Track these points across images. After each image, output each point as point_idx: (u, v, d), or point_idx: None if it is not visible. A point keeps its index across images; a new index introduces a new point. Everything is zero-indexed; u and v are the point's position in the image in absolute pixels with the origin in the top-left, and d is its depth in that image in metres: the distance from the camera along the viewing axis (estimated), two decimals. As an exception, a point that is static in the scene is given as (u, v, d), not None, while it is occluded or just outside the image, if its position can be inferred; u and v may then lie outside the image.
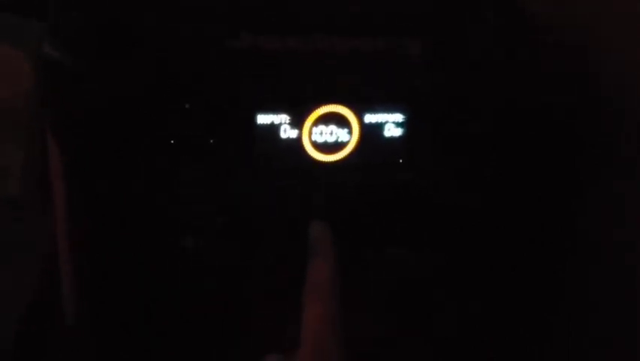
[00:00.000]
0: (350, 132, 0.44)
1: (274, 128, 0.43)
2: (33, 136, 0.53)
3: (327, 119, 0.43)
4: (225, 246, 0.45)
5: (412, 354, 0.50)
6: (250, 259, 0.45)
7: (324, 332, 0.35)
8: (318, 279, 0.38)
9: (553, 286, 0.51)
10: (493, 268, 0.48)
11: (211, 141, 0.43)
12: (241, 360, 0.40)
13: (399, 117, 0.44)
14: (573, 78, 0.44)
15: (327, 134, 0.44)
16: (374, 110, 0.43)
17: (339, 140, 0.44)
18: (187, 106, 0.42)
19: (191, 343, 0.47)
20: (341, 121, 0.43)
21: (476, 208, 0.46)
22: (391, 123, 0.44)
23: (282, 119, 0.43)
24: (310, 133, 0.43)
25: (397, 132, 0.44)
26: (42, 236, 0.50)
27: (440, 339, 0.50)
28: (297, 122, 0.43)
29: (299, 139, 0.43)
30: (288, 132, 0.43)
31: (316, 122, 0.43)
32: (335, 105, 0.43)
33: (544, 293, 0.51)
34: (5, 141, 0.54)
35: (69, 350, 0.47)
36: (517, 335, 0.51)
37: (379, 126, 0.44)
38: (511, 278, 0.49)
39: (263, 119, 0.42)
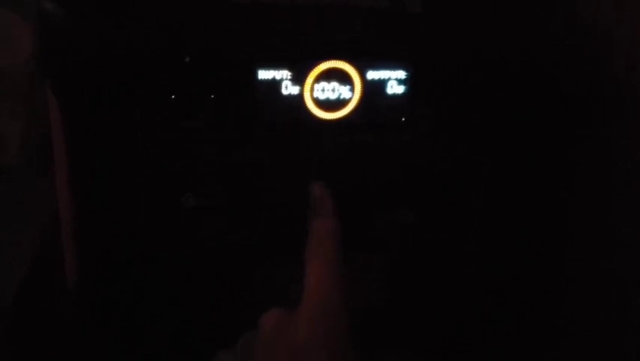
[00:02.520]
0: (352, 89, 0.43)
1: (275, 85, 0.42)
2: (33, 102, 0.52)
3: (329, 75, 0.43)
4: (227, 204, 0.44)
5: (411, 316, 0.49)
6: (251, 216, 0.45)
7: (327, 288, 0.34)
8: (320, 237, 0.37)
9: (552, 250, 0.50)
10: (492, 226, 0.47)
11: (212, 96, 0.42)
12: (245, 316, 0.40)
13: (401, 74, 0.43)
14: (566, 29, 0.44)
15: (329, 91, 0.43)
16: (376, 66, 0.43)
17: (342, 97, 0.43)
18: (187, 60, 0.41)
19: (193, 303, 0.47)
20: (343, 78, 0.43)
21: (477, 169, 0.45)
22: (394, 80, 0.43)
23: (283, 75, 0.42)
24: (312, 90, 0.43)
25: (400, 90, 0.44)
26: (43, 201, 0.50)
27: (440, 302, 0.49)
28: (298, 79, 0.42)
29: (300, 95, 0.43)
30: (289, 89, 0.43)
31: (318, 79, 0.43)
32: (337, 61, 0.42)
33: (546, 259, 0.50)
34: (5, 109, 0.53)
35: (69, 314, 0.47)
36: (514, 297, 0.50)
37: (382, 83, 0.43)
38: (511, 239, 0.48)
39: (264, 74, 0.42)
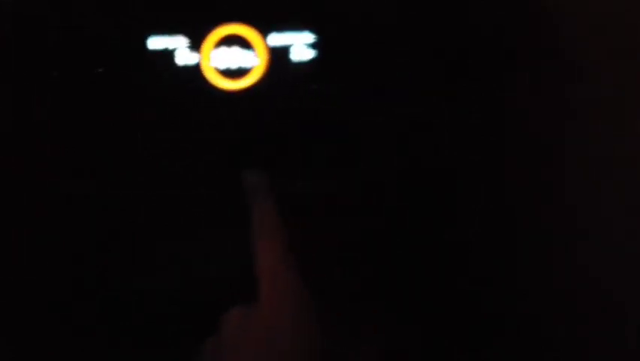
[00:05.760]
0: (256, 56, 0.39)
1: (169, 54, 0.38)
2: None
3: (228, 41, 0.39)
4: (122, 188, 0.39)
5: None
6: (153, 201, 0.39)
7: (279, 267, 0.33)
8: (262, 221, 0.36)
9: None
10: (409, 192, 0.42)
11: (99, 70, 0.38)
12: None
13: (308, 37, 0.40)
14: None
15: (229, 59, 0.39)
16: (280, 29, 0.39)
17: (244, 65, 0.39)
18: (69, 30, 0.38)
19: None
20: (244, 44, 0.39)
21: (394, 133, 0.40)
22: (301, 44, 0.40)
23: (177, 42, 0.39)
24: (210, 58, 0.39)
25: (308, 55, 0.40)
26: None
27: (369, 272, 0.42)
28: (194, 46, 0.39)
29: (198, 65, 0.39)
30: (185, 58, 0.39)
31: (216, 46, 0.39)
32: (236, 25, 0.39)
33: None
34: None
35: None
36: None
37: (287, 49, 0.40)
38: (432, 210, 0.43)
39: (155, 43, 0.38)
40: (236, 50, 0.39)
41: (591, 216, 0.39)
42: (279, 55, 0.39)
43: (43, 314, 0.42)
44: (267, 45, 0.39)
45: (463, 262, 0.44)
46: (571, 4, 0.38)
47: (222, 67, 0.39)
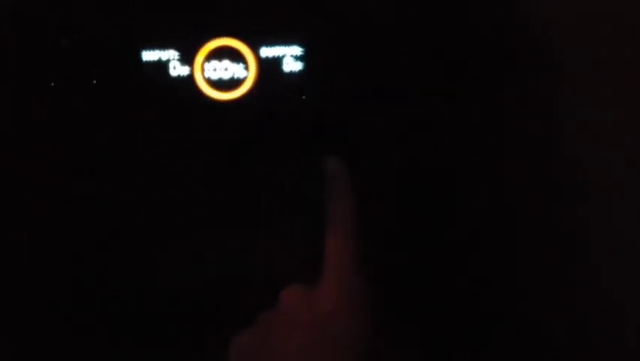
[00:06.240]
0: (246, 67, 0.41)
1: (162, 66, 0.40)
2: None
3: (220, 53, 0.40)
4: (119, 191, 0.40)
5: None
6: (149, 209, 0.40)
7: (348, 264, 0.34)
8: (338, 213, 0.36)
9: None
10: (409, 192, 0.43)
11: (94, 81, 0.40)
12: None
13: (297, 50, 0.41)
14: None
15: (221, 70, 0.40)
16: (270, 43, 0.41)
17: (235, 76, 0.41)
18: (64, 43, 0.39)
19: None
20: (235, 55, 0.41)
21: (392, 134, 0.41)
22: (290, 57, 0.41)
23: (170, 55, 0.40)
24: (203, 69, 0.40)
25: (297, 67, 0.41)
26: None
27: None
28: (187, 58, 0.40)
29: (191, 76, 0.40)
30: (178, 69, 0.40)
31: (208, 58, 0.40)
32: (227, 38, 0.40)
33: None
34: None
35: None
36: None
37: (277, 60, 0.41)
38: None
39: (149, 55, 0.40)
40: (226, 61, 0.41)
41: (591, 216, 0.39)
42: (268, 66, 0.41)
43: (43, 314, 0.43)
44: (257, 57, 0.41)
45: (463, 262, 0.44)
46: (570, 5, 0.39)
47: (214, 78, 0.40)
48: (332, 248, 0.35)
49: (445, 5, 0.42)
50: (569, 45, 0.40)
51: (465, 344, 0.45)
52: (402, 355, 0.43)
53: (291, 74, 0.41)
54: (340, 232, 0.35)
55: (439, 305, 0.44)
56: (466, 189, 0.45)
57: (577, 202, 0.40)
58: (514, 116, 0.44)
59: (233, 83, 0.41)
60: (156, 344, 0.42)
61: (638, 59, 0.36)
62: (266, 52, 0.41)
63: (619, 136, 0.37)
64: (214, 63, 0.40)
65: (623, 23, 0.37)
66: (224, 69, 0.40)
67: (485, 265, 0.45)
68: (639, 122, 0.38)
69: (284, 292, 0.34)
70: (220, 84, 0.41)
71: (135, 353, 0.43)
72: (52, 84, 0.39)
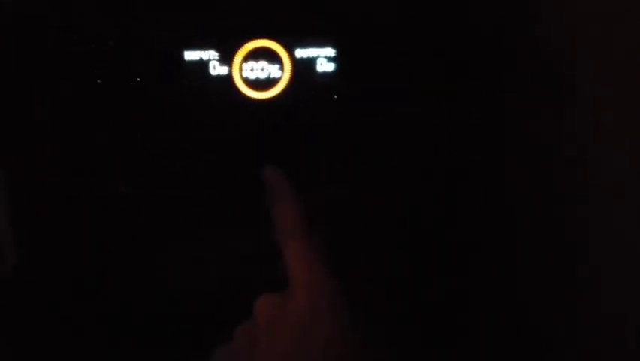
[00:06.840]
0: (282, 68, 0.43)
1: (203, 65, 0.42)
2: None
3: (257, 54, 0.42)
4: (159, 189, 0.42)
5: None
6: (184, 200, 0.42)
7: (313, 265, 0.34)
8: (286, 221, 0.36)
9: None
10: (431, 202, 0.45)
11: (138, 79, 0.42)
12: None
13: (330, 52, 0.43)
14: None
15: (258, 71, 0.43)
16: (305, 44, 0.43)
17: (271, 76, 0.43)
18: (110, 44, 0.41)
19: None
20: (272, 56, 0.43)
21: (413, 145, 0.43)
22: (323, 58, 0.43)
23: (210, 55, 0.42)
24: (241, 69, 0.42)
25: (330, 67, 0.43)
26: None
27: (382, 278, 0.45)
28: (226, 59, 0.42)
29: (229, 76, 0.42)
30: (217, 69, 0.42)
31: (246, 58, 0.42)
32: (264, 40, 0.42)
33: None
34: None
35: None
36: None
37: (311, 61, 0.43)
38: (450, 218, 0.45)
39: (190, 55, 0.42)
40: (263, 62, 0.43)
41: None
42: (303, 67, 0.43)
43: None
44: (291, 58, 0.43)
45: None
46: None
47: (251, 77, 0.43)
48: (289, 255, 0.34)
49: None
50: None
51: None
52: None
53: (324, 74, 0.43)
54: (291, 236, 0.35)
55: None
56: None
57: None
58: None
59: (269, 83, 0.43)
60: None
61: (638, 59, 0.35)
62: (300, 53, 0.43)
63: (619, 136, 0.37)
64: (251, 63, 0.42)
65: (622, 23, 0.36)
66: (261, 69, 0.43)
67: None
68: (639, 122, 0.38)
69: (257, 303, 0.34)
70: (256, 84, 0.43)
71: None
72: (99, 81, 0.41)
